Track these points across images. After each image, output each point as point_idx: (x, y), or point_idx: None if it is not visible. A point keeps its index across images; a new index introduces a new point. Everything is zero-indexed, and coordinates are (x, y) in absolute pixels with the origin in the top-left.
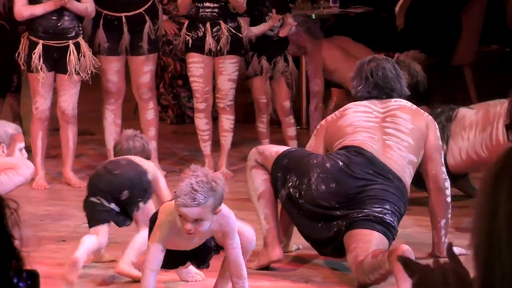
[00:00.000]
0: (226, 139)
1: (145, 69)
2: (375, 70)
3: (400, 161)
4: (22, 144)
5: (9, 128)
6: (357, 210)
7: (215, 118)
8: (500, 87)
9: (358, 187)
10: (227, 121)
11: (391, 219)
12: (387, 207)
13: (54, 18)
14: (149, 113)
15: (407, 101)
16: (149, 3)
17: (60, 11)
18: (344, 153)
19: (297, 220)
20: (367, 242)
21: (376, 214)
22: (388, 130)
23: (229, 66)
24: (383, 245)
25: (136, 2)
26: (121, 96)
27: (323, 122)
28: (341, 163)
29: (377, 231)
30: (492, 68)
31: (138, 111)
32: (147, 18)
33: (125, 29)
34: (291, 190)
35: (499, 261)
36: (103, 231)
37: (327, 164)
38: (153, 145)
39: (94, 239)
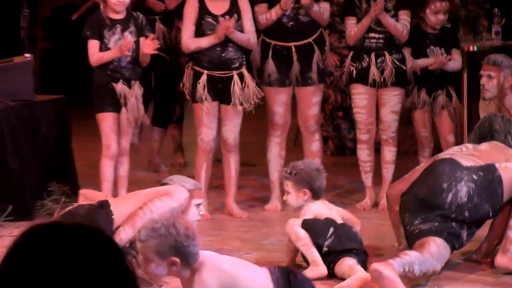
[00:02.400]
0: (388, 170)
1: (314, 100)
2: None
3: None
4: (199, 201)
5: (187, 183)
6: None
7: (377, 150)
8: None
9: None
10: (389, 153)
11: None
12: None
13: (219, 49)
14: (315, 144)
15: None
16: (318, 33)
17: (225, 42)
18: None
19: None
20: None
21: None
22: None
23: (392, 98)
24: None
25: (306, 31)
26: (287, 128)
27: None
28: None
29: None
30: None
31: (300, 142)
32: (315, 47)
33: (295, 58)
34: None
35: None
36: None
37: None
38: None
39: None
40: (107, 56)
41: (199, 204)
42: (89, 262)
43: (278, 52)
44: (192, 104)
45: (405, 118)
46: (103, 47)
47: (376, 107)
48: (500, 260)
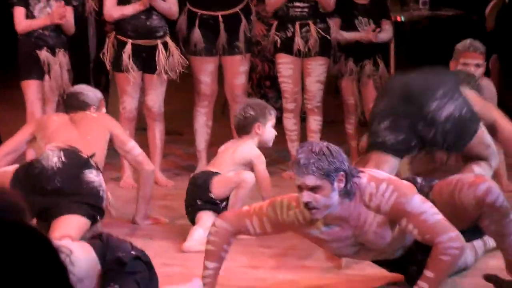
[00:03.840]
0: (314, 139)
1: (240, 69)
2: None
3: None
4: (104, 109)
5: (97, 93)
6: None
7: (302, 119)
8: None
9: None
10: (314, 122)
11: None
12: None
13: (143, 17)
14: None
15: None
16: (244, 2)
17: (149, 10)
18: None
19: None
20: None
21: None
22: None
23: (317, 68)
24: None
25: (232, 1)
26: (213, 98)
27: None
28: None
29: None
30: None
31: (228, 112)
32: (242, 17)
33: (222, 28)
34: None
35: None
36: None
37: None
38: None
39: None
40: (35, 23)
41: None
42: (21, 261)
43: (205, 22)
44: (114, 73)
45: (332, 87)
46: (29, 15)
47: (301, 77)
48: None
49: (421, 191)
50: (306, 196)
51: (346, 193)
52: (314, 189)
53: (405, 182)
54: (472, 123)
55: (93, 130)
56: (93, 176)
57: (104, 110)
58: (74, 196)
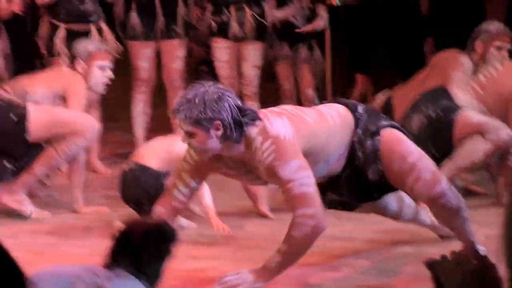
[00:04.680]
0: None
1: (178, 53)
2: None
3: None
4: (102, 62)
5: (90, 45)
6: None
7: None
8: None
9: None
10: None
11: None
12: None
13: (76, 1)
14: None
15: None
16: None
17: None
18: None
19: None
20: None
21: None
22: None
23: (253, 53)
24: None
25: None
26: (151, 84)
27: None
28: None
29: None
30: None
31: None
32: (179, 0)
33: (159, 11)
34: None
35: None
36: None
37: None
38: None
39: None
40: None
41: (102, 66)
42: None
43: (142, 5)
44: (48, 58)
45: (268, 72)
46: None
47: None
48: None
49: (365, 128)
50: (182, 138)
51: (229, 140)
52: (189, 133)
53: (295, 141)
54: (446, 117)
55: (44, 80)
56: None
57: (99, 63)
58: None
